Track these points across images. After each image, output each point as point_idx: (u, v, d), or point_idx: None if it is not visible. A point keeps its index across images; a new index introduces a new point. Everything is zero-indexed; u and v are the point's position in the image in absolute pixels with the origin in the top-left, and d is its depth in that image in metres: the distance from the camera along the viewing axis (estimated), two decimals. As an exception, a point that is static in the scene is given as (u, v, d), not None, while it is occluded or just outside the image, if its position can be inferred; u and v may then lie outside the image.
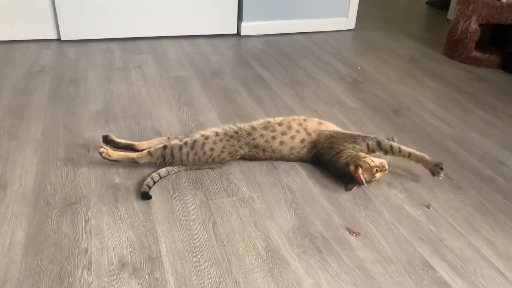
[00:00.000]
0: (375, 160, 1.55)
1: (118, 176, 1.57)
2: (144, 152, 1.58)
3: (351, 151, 1.59)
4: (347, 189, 1.56)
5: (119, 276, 1.18)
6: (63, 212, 1.39)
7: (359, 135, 1.66)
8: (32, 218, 1.36)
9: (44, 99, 2.10)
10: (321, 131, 1.68)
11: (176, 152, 1.56)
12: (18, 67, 2.44)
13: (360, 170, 1.52)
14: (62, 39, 2.85)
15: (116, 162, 1.59)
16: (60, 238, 1.29)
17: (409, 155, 1.61)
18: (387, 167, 1.56)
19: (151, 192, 1.49)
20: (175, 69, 2.53)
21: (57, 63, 2.53)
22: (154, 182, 1.53)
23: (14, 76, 2.33)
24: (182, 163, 1.57)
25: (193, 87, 2.32)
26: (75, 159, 1.65)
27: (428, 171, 1.61)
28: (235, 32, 3.19)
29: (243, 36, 3.16)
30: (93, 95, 2.17)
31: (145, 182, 1.50)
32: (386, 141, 1.65)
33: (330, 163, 1.62)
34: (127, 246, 1.28)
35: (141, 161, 1.58)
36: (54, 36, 2.86)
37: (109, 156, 1.56)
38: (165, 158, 1.56)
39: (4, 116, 1.93)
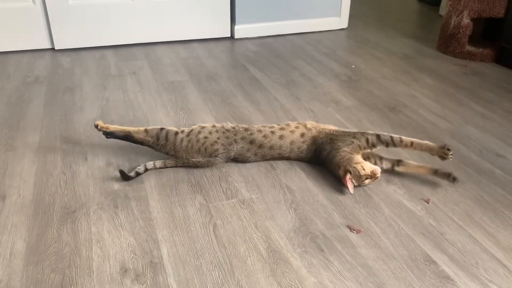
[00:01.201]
0: (367, 168, 1.51)
1: (117, 182, 1.57)
2: (141, 128, 1.63)
3: (347, 149, 1.58)
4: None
5: (122, 283, 1.18)
6: (63, 220, 1.39)
7: (358, 131, 1.66)
8: (32, 228, 1.36)
9: (40, 108, 2.10)
10: (321, 128, 1.68)
11: (171, 136, 1.60)
12: (13, 78, 2.44)
13: (348, 176, 1.50)
14: (55, 48, 2.85)
15: (112, 135, 1.65)
16: (61, 246, 1.29)
17: (412, 144, 1.59)
18: (378, 175, 1.52)
19: (150, 194, 1.49)
20: (170, 74, 2.53)
21: (52, 72, 2.52)
22: (146, 170, 1.59)
23: (9, 87, 2.32)
24: (175, 148, 1.60)
25: (188, 91, 2.32)
26: (73, 167, 1.65)
27: (437, 158, 1.58)
28: (229, 35, 3.19)
29: (237, 39, 3.16)
30: (89, 103, 2.16)
31: (137, 168, 1.57)
32: (386, 133, 1.62)
33: (326, 159, 1.62)
34: (129, 252, 1.28)
35: (136, 136, 1.63)
36: (48, 46, 2.86)
37: (107, 128, 1.63)
38: (159, 138, 1.61)
39: (0, 127, 1.92)
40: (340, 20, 3.41)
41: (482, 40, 2.94)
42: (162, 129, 1.62)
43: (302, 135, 1.66)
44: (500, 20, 2.78)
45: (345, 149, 1.58)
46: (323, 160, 1.64)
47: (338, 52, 2.95)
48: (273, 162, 1.69)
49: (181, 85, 2.39)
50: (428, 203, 1.50)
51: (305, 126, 1.68)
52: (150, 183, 1.57)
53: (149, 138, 1.62)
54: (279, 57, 2.83)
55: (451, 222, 1.42)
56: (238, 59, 2.79)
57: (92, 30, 2.87)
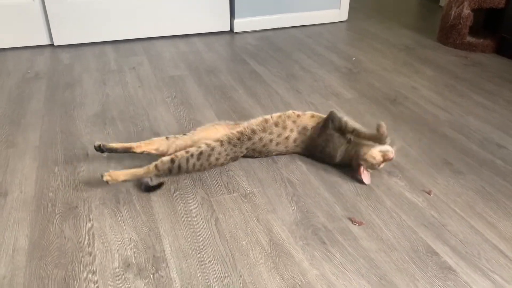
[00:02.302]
0: (377, 156, 1.52)
1: (118, 178, 1.57)
2: (151, 166, 1.51)
3: (342, 141, 1.60)
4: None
5: (124, 277, 1.18)
6: (65, 216, 1.39)
7: (328, 118, 1.64)
8: (35, 224, 1.36)
9: (40, 105, 2.10)
10: (312, 126, 1.66)
11: (183, 165, 1.53)
12: (12, 74, 2.43)
13: (361, 169, 1.54)
14: (55, 44, 2.84)
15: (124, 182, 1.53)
16: (63, 242, 1.30)
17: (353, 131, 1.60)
18: (391, 156, 1.53)
19: (152, 196, 1.49)
20: (170, 69, 2.53)
21: (52, 68, 2.52)
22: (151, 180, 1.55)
23: (9, 84, 2.32)
24: (187, 172, 1.56)
25: (189, 86, 2.31)
26: (74, 163, 1.65)
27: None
28: (228, 29, 3.18)
29: (237, 33, 3.15)
30: (89, 98, 2.16)
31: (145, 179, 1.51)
32: (339, 116, 1.62)
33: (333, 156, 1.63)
34: (131, 247, 1.28)
35: (148, 176, 1.52)
36: (47, 42, 2.85)
37: (117, 179, 1.48)
38: (171, 171, 1.53)
39: (0, 124, 1.92)
40: (340, 12, 3.40)
41: (482, 31, 2.93)
42: (173, 161, 1.51)
43: (295, 140, 1.67)
44: (500, 11, 2.76)
45: (345, 146, 1.61)
46: (327, 157, 1.65)
47: (338, 45, 2.94)
48: (274, 156, 1.69)
49: (181, 80, 2.38)
50: (430, 195, 1.50)
51: (298, 127, 1.66)
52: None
53: (162, 173, 1.53)
54: (279, 51, 2.82)
55: (453, 213, 1.42)
56: (238, 53, 2.78)
57: (91, 25, 2.86)
